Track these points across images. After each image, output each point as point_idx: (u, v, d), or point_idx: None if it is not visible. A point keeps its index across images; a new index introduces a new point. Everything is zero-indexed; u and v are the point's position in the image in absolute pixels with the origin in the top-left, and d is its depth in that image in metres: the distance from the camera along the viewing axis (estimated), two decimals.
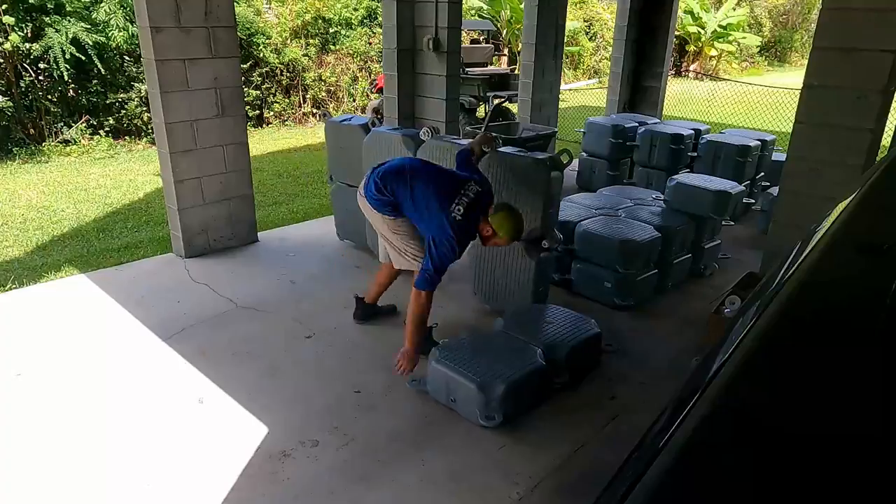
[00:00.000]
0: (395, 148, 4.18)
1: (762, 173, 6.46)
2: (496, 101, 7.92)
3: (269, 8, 12.83)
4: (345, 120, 4.71)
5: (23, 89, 9.07)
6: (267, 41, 11.73)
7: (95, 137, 9.61)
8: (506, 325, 3.40)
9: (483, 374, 2.89)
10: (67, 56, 8.83)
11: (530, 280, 3.72)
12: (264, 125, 11.87)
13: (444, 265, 3.08)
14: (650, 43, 8.59)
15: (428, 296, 3.13)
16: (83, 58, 9.12)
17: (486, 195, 3.21)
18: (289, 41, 12.22)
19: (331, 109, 12.71)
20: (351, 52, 12.91)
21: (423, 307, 3.13)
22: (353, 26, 13.05)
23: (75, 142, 9.37)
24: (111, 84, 9.83)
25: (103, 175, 7.97)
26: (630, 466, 0.77)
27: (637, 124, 6.80)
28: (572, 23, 17.94)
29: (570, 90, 15.83)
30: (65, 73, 8.84)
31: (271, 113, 12.00)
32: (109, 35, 9.38)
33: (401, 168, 3.25)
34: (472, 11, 17.38)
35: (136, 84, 9.91)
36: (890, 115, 3.88)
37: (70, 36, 8.86)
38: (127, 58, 10.04)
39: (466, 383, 2.88)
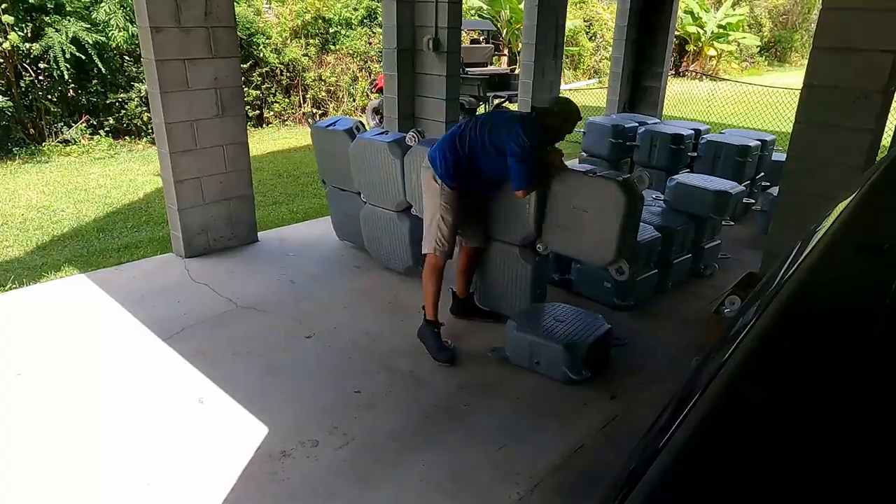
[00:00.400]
0: (382, 155, 4.16)
1: (762, 173, 6.46)
2: (496, 101, 7.94)
3: (269, 8, 12.83)
4: (330, 125, 4.64)
5: (23, 89, 9.07)
6: (267, 41, 11.73)
7: (95, 137, 9.61)
8: (518, 325, 3.39)
9: (566, 337, 3.22)
10: (67, 56, 8.83)
11: (528, 283, 3.72)
12: (264, 125, 11.87)
13: (534, 158, 3.28)
14: (650, 43, 8.59)
15: (533, 188, 3.39)
16: (83, 57, 9.12)
17: (535, 107, 3.48)
18: (289, 41, 12.22)
19: (331, 109, 12.71)
20: (351, 52, 12.91)
21: (535, 187, 3.39)
22: (353, 26, 13.05)
23: (75, 142, 9.37)
24: (111, 84, 9.83)
25: (103, 175, 7.97)
26: (630, 466, 0.77)
27: (637, 124, 6.80)
28: (572, 23, 17.94)
29: (570, 90, 15.83)
30: (65, 73, 8.84)
31: (271, 113, 12.00)
32: (109, 35, 9.38)
33: (464, 124, 3.45)
34: (472, 11, 17.38)
35: (136, 84, 9.91)
36: (890, 115, 3.88)
37: (70, 35, 8.86)
38: (127, 58, 10.04)
39: (552, 345, 3.20)
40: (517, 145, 3.20)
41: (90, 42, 9.06)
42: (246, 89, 11.03)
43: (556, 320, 3.41)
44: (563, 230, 3.46)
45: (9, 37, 8.48)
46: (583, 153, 7.04)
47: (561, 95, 3.54)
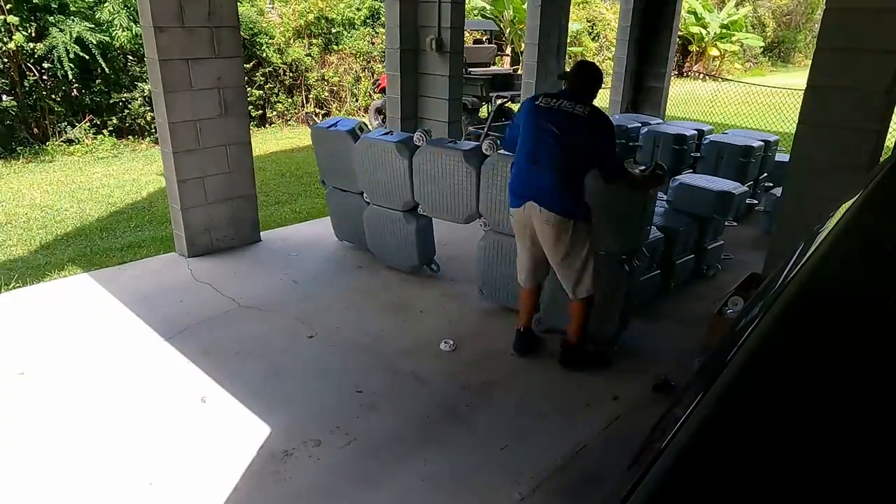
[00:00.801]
0: (389, 155, 4.16)
1: (765, 174, 6.45)
2: (499, 102, 7.93)
3: (273, 8, 12.84)
4: (331, 125, 4.63)
5: (27, 89, 9.10)
6: (270, 41, 11.74)
7: (99, 137, 9.63)
8: (543, 319, 3.49)
9: None
10: (71, 55, 8.86)
11: None
12: (267, 125, 11.89)
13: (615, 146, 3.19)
14: (653, 43, 8.58)
15: (632, 174, 3.25)
16: (87, 57, 9.15)
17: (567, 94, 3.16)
18: (292, 41, 12.23)
19: (333, 109, 12.72)
20: (354, 52, 12.92)
21: (637, 178, 3.26)
22: (356, 26, 13.06)
23: (79, 141, 9.40)
24: (115, 84, 9.86)
25: (107, 174, 7.99)
26: (632, 467, 0.77)
27: (640, 124, 6.80)
28: (575, 23, 17.91)
29: None
30: (69, 73, 8.87)
31: (274, 113, 12.02)
32: (113, 35, 9.40)
33: (529, 139, 3.12)
34: (475, 11, 17.38)
35: (139, 84, 9.94)
36: (894, 115, 3.87)
37: (74, 35, 8.89)
38: (130, 57, 10.07)
39: None
40: (609, 130, 3.08)
41: (94, 42, 9.09)
42: (249, 89, 11.04)
43: None
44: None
45: (13, 37, 8.51)
46: None
47: (581, 60, 3.30)
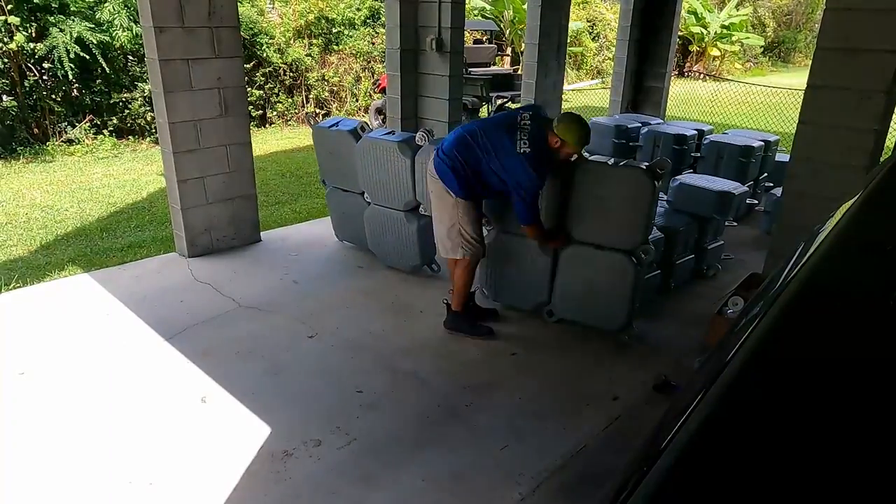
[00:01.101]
0: (391, 155, 4.16)
1: (765, 174, 6.45)
2: (499, 102, 7.93)
3: (273, 8, 12.84)
4: (333, 125, 4.63)
5: (27, 89, 9.10)
6: (270, 41, 11.74)
7: (99, 137, 9.63)
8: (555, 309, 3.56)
9: None
10: (71, 56, 8.86)
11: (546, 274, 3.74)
12: (267, 125, 11.89)
13: (535, 197, 3.32)
14: (653, 43, 8.58)
15: (539, 223, 3.43)
16: (87, 57, 9.14)
17: (540, 116, 3.38)
18: (292, 41, 12.23)
19: (334, 109, 12.72)
20: (354, 52, 12.92)
21: (541, 230, 3.47)
22: (357, 26, 13.06)
23: (79, 141, 9.40)
24: (115, 84, 9.86)
25: (107, 174, 7.99)
26: (632, 467, 0.77)
27: (640, 125, 6.80)
28: (575, 23, 17.90)
29: (573, 90, 15.82)
30: (69, 73, 8.87)
31: (274, 113, 12.02)
32: (113, 35, 9.40)
33: (461, 137, 3.41)
34: (476, 11, 17.38)
35: (139, 84, 9.94)
36: (894, 115, 3.87)
37: (74, 35, 8.88)
38: (131, 57, 10.07)
39: None
40: (524, 175, 3.22)
41: (94, 42, 9.09)
42: (249, 89, 11.04)
43: None
44: (589, 220, 3.53)
45: (14, 37, 8.51)
46: (585, 153, 7.03)
47: (572, 113, 3.40)
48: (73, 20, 9.04)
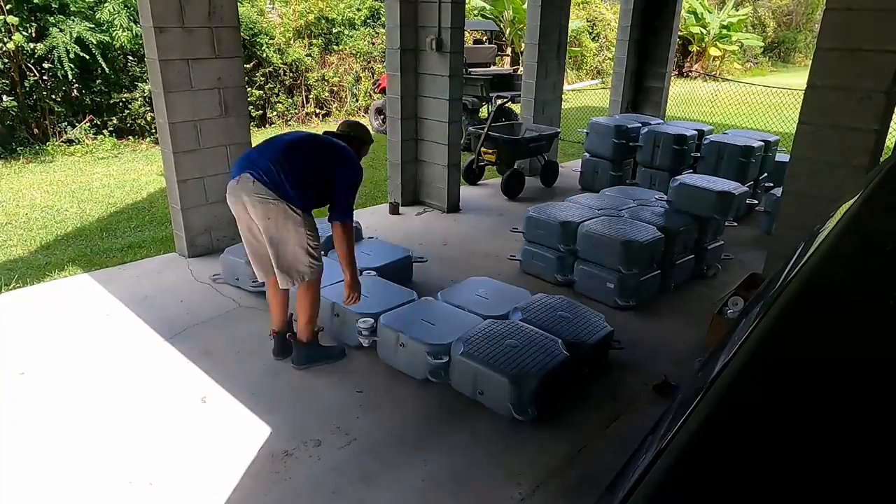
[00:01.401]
0: None
1: (765, 174, 6.45)
2: (499, 102, 7.92)
3: (273, 8, 12.84)
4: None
5: (27, 89, 9.10)
6: (270, 41, 11.75)
7: (99, 137, 9.63)
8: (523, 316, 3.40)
9: (513, 368, 2.86)
10: (71, 56, 8.86)
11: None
12: (267, 125, 11.89)
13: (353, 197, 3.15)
14: (653, 43, 8.58)
15: (352, 223, 3.16)
16: (87, 57, 9.15)
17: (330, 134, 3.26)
18: (292, 41, 12.24)
19: (334, 109, 12.72)
20: (354, 52, 12.92)
21: (351, 235, 3.17)
22: (357, 26, 13.06)
23: (79, 141, 9.40)
24: (115, 84, 9.86)
25: (107, 175, 7.99)
26: (632, 467, 0.77)
27: (640, 125, 6.80)
28: (575, 23, 17.91)
29: (573, 90, 15.82)
30: (69, 73, 8.87)
31: (274, 113, 12.02)
32: (113, 35, 9.41)
33: (273, 163, 2.99)
34: (475, 11, 17.37)
35: (139, 84, 9.94)
36: (894, 115, 3.87)
37: (74, 36, 8.89)
38: (131, 57, 10.07)
39: (497, 377, 2.85)
40: (355, 174, 3.11)
41: (94, 42, 9.09)
42: (249, 89, 11.04)
43: (508, 344, 3.05)
44: None
45: (13, 37, 8.51)
46: (586, 154, 7.04)
47: (351, 120, 3.39)
48: (73, 20, 9.03)
